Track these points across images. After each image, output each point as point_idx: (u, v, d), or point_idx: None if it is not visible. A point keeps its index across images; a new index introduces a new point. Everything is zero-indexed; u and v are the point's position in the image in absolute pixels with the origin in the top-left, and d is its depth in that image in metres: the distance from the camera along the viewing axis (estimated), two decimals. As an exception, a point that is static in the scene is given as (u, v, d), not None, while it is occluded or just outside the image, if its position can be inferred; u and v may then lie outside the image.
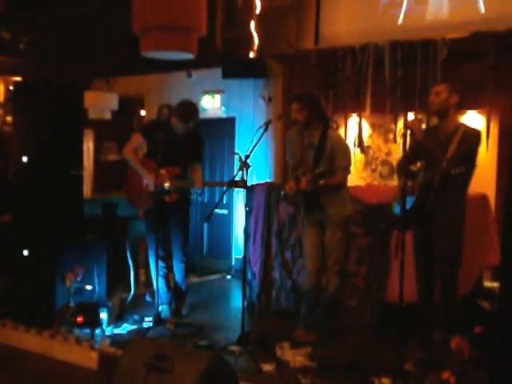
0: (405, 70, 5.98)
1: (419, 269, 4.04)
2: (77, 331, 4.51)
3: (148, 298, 5.54)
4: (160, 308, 4.86)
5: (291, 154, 4.55)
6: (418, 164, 3.94)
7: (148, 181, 4.89)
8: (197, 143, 5.06)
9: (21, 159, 4.91)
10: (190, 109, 4.91)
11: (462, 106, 4.88)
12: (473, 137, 3.86)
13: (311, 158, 4.37)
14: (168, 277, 5.13)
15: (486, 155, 5.65)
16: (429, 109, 4.05)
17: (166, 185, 4.79)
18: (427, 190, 3.81)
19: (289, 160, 4.62)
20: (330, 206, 4.36)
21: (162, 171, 4.78)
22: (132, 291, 5.51)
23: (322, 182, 4.22)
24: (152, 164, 4.79)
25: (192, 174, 5.08)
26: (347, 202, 4.47)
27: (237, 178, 4.39)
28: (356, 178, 6.37)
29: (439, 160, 3.73)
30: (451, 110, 3.92)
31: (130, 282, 5.57)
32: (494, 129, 5.66)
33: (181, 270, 5.10)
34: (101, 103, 8.03)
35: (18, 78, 7.52)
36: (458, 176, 3.74)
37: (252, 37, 7.01)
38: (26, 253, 4.81)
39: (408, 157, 3.92)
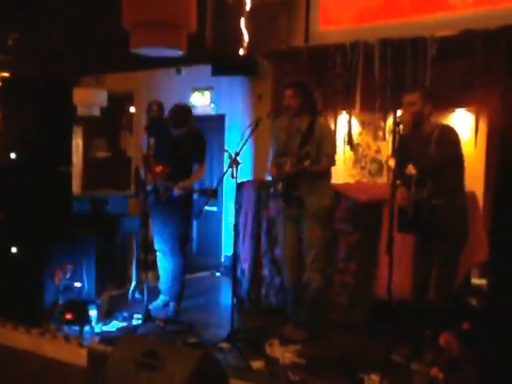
0: (394, 68, 6.00)
1: (418, 266, 4.05)
2: (66, 328, 4.49)
3: (137, 295, 5.53)
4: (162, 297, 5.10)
5: (276, 140, 4.51)
6: (411, 167, 3.92)
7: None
8: (196, 142, 4.99)
9: (9, 156, 4.88)
10: (181, 114, 4.89)
11: (447, 106, 4.91)
12: (450, 134, 3.90)
13: (297, 143, 4.32)
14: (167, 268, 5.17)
15: (475, 153, 5.69)
16: (401, 118, 3.93)
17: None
18: (421, 203, 3.82)
19: (272, 147, 4.59)
20: (307, 197, 4.30)
21: (155, 169, 4.87)
22: (132, 286, 5.50)
23: (306, 163, 4.14)
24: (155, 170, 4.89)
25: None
26: (327, 194, 4.39)
27: (227, 176, 4.38)
28: (345, 175, 6.38)
29: (423, 163, 3.78)
30: (426, 119, 3.93)
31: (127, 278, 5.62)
32: (483, 127, 5.69)
33: (174, 266, 5.08)
34: (90, 100, 7.99)
35: (7, 74, 7.47)
36: (448, 181, 3.78)
37: (242, 34, 7.00)
38: (14, 250, 4.78)
39: (399, 160, 3.94)
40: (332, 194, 4.46)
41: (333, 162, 4.40)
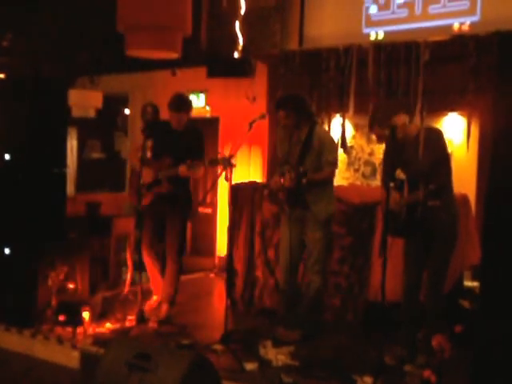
0: (388, 72, 6.04)
1: (409, 268, 4.07)
2: (59, 330, 4.48)
3: (131, 297, 5.52)
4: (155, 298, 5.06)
5: (280, 151, 4.56)
6: (399, 172, 3.95)
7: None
8: (195, 139, 4.99)
9: (3, 157, 4.88)
10: (181, 98, 4.95)
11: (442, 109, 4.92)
12: (434, 135, 3.94)
13: (297, 155, 4.37)
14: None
15: (467, 156, 5.74)
16: (392, 134, 3.96)
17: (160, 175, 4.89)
18: (413, 205, 3.84)
19: (279, 156, 4.64)
20: (314, 204, 4.34)
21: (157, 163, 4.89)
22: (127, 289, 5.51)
23: (304, 180, 4.14)
24: (156, 164, 4.90)
25: None
26: (332, 200, 4.46)
27: (221, 178, 4.38)
28: (339, 177, 6.40)
29: (413, 167, 3.81)
30: (407, 125, 3.97)
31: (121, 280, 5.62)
32: (475, 130, 5.75)
33: (171, 271, 5.07)
34: (85, 101, 7.99)
35: (2, 76, 7.47)
36: (440, 181, 3.80)
37: (237, 37, 7.03)
38: (7, 251, 4.77)
39: (391, 163, 3.97)
40: (334, 200, 4.51)
41: (335, 168, 4.46)
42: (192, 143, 4.92)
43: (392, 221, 3.79)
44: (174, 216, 4.95)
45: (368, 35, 6.42)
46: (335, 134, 6.49)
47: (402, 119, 3.94)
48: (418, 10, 6.24)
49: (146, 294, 5.11)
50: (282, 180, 4.32)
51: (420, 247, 3.97)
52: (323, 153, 4.33)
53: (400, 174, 3.85)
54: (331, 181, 4.48)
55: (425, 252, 3.96)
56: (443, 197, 3.81)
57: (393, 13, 6.40)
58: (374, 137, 6.21)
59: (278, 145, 4.61)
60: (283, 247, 4.54)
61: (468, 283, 5.10)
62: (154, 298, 5.21)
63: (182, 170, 4.72)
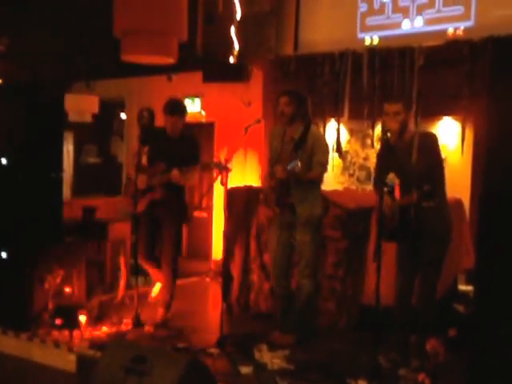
0: (382, 77, 6.08)
1: (402, 272, 4.09)
2: (55, 333, 4.49)
3: (127, 301, 5.53)
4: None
5: (272, 150, 4.59)
6: (392, 176, 3.97)
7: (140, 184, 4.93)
8: (190, 147, 5.00)
9: (0, 161, 4.89)
10: (174, 102, 4.99)
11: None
12: (429, 140, 3.97)
13: (289, 152, 4.38)
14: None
15: (461, 160, 5.77)
16: (387, 127, 3.99)
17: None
18: (406, 208, 3.86)
19: (270, 157, 4.67)
20: (299, 205, 4.35)
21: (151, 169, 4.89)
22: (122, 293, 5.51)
23: (297, 168, 4.14)
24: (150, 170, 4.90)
25: None
26: (318, 203, 4.45)
27: (217, 182, 4.40)
28: (334, 182, 6.44)
29: (407, 171, 3.84)
30: (408, 126, 4.00)
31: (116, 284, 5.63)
32: (469, 135, 5.78)
33: (166, 276, 5.08)
34: (81, 106, 8.02)
35: (-1, 80, 7.49)
36: (434, 184, 3.82)
37: (232, 42, 7.07)
38: (4, 255, 4.78)
39: (381, 168, 3.99)
40: (323, 203, 4.53)
41: (325, 170, 4.48)
42: (187, 151, 4.94)
43: (385, 225, 3.81)
44: (168, 222, 4.95)
45: (363, 40, 6.46)
46: (330, 139, 6.53)
47: (391, 108, 3.96)
48: (412, 15, 6.28)
49: (143, 298, 5.12)
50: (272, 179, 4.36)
51: (412, 251, 4.00)
52: (315, 153, 4.35)
53: (392, 178, 3.86)
54: (318, 183, 4.49)
55: (417, 256, 3.98)
56: (437, 199, 3.84)
57: (387, 18, 6.45)
58: (369, 141, 6.33)
59: (270, 144, 4.62)
60: (273, 251, 4.57)
61: (462, 287, 5.13)
62: (158, 284, 5.18)
63: (175, 173, 4.72)
